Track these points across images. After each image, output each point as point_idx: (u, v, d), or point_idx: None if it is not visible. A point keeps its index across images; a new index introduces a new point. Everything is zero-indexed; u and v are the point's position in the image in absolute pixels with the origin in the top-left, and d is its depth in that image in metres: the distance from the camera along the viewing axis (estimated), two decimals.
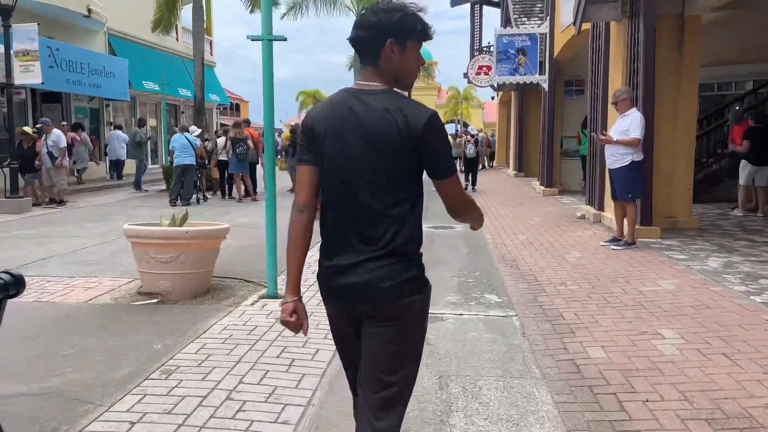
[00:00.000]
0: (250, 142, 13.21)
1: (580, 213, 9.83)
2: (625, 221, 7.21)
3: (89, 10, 16.81)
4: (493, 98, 29.48)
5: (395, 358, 1.91)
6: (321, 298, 2.05)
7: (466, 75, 28.51)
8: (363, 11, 1.99)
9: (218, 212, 11.54)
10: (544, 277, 5.97)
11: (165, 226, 5.35)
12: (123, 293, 5.41)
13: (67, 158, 12.02)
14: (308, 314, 2.04)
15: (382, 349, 1.90)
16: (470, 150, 18.82)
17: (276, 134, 15.44)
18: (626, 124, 6.87)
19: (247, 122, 14.43)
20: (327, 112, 1.89)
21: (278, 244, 5.19)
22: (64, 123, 13.56)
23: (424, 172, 1.90)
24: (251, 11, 18.72)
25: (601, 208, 9.21)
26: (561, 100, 14.46)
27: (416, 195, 1.90)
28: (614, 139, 6.89)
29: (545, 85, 13.77)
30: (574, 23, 8.66)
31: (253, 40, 5.13)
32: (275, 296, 5.22)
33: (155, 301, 5.10)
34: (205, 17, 28.47)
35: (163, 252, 5.06)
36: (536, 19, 15.83)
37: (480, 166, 25.73)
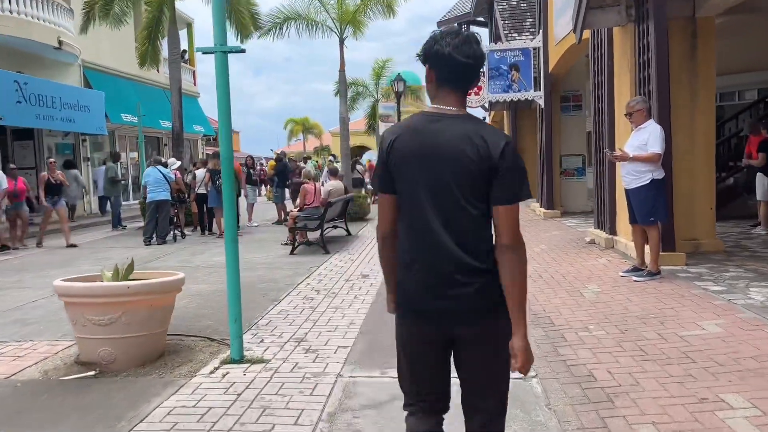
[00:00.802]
0: None
1: (590, 238, 8.97)
2: (646, 248, 6.35)
3: (60, 42, 16.05)
4: (484, 119, 28.78)
5: (494, 374, 2.00)
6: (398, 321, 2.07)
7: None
8: (463, 34, 1.93)
9: (194, 251, 10.62)
10: (561, 319, 5.07)
11: (108, 281, 4.44)
12: (57, 363, 4.47)
13: (5, 201, 11.07)
14: None
15: (482, 367, 1.98)
16: None
17: (263, 163, 14.76)
18: (644, 138, 6.05)
19: None
20: (407, 137, 1.92)
21: (256, 288, 4.28)
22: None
23: None
24: (241, 41, 17.98)
25: (613, 231, 8.35)
26: (558, 116, 13.72)
27: (489, 219, 1.93)
28: (631, 156, 6.06)
29: (541, 102, 13.03)
30: (575, 31, 7.90)
31: (204, 53, 4.30)
32: (239, 360, 4.29)
33: (92, 373, 4.16)
34: (187, 47, 28.08)
35: (102, 313, 4.14)
36: (527, 34, 15.16)
37: None
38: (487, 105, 26.46)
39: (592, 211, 13.39)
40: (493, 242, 1.91)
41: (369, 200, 21.32)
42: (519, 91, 12.99)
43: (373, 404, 3.54)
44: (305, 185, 10.68)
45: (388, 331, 5.40)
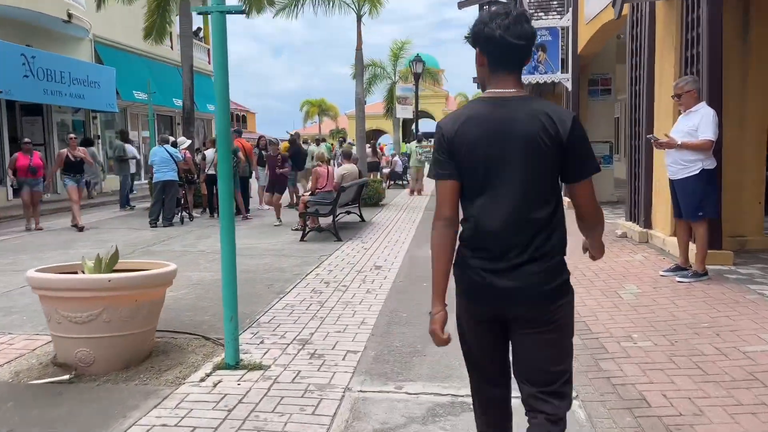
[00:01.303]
0: (241, 154, 11.83)
1: (621, 231, 8.33)
2: (691, 245, 5.73)
3: (69, 15, 15.58)
4: None
5: (556, 356, 1.98)
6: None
7: (476, 79, 27.21)
8: (512, 13, 1.86)
9: (201, 234, 10.14)
10: (599, 325, 4.49)
11: (90, 272, 3.93)
12: (33, 362, 3.98)
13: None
14: None
15: (542, 350, 1.96)
16: None
17: (275, 144, 14.33)
18: (693, 123, 5.40)
19: (239, 132, 13.04)
20: (474, 124, 1.90)
21: (261, 278, 3.76)
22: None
23: None
24: (247, 16, 17.36)
25: (648, 224, 7.71)
26: (585, 101, 12.99)
27: (559, 199, 1.95)
28: (679, 142, 5.41)
29: (568, 84, 12.31)
30: (614, 4, 7.21)
31: (200, 13, 3.74)
32: (235, 365, 3.78)
33: (67, 378, 3.67)
34: (202, 24, 27.52)
35: (79, 309, 3.64)
36: (554, 13, 14.39)
37: None
38: None
39: (619, 202, 12.73)
40: (564, 222, 1.95)
41: (384, 185, 20.81)
42: (545, 72, 12.28)
43: (385, 429, 3.00)
44: (317, 168, 10.13)
45: (403, 334, 4.89)
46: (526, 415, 2.02)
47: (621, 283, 5.70)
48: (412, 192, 17.66)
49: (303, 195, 10.34)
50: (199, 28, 26.79)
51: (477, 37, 1.91)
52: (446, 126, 1.95)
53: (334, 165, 18.59)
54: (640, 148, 7.94)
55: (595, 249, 2.15)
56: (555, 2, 15.01)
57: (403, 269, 6.98)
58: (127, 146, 14.77)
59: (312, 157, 15.21)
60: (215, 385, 3.51)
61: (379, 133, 57.37)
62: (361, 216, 11.53)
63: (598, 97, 13.25)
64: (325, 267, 7.16)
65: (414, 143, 17.91)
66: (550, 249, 1.89)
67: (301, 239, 9.28)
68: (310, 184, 10.14)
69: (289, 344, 4.30)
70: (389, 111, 27.52)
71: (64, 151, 11.30)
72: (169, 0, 15.55)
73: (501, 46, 1.86)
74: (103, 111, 18.25)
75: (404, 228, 10.54)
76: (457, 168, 1.92)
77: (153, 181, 11.27)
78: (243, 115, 78.65)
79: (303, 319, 4.92)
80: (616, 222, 9.26)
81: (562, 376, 1.98)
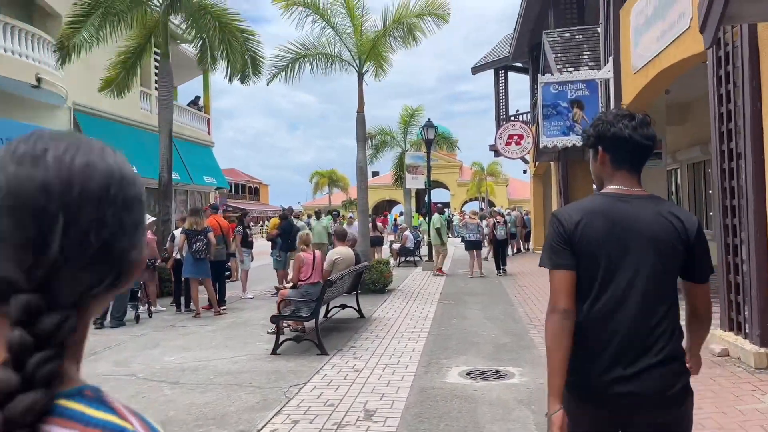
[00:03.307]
0: (212, 236, 9.66)
1: (720, 347, 5.87)
2: None
3: (39, 80, 13.95)
4: (525, 172, 25.96)
5: None
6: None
7: (493, 147, 25.30)
8: (638, 115, 1.98)
9: (150, 341, 7.80)
10: None
11: None
12: None
13: None
14: None
15: None
16: (500, 231, 15.42)
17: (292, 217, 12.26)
18: None
19: (214, 208, 10.97)
20: (598, 217, 1.90)
21: None
22: None
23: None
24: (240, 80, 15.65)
25: (766, 341, 5.28)
26: None
27: (677, 300, 1.93)
28: None
29: None
30: (702, 29, 5.07)
31: None
32: None
33: None
34: (202, 94, 26.24)
35: None
36: (585, 68, 12.48)
37: (515, 249, 21.99)
38: (528, 157, 23.80)
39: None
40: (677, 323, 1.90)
41: (394, 263, 18.48)
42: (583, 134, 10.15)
43: None
44: (300, 254, 7.89)
45: None
46: None
47: None
48: (440, 271, 15.44)
49: (283, 288, 8.07)
50: (197, 97, 25.46)
51: (602, 136, 1.95)
52: (566, 218, 1.93)
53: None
54: (743, 210, 5.61)
55: (696, 357, 2.06)
56: (586, 56, 13.12)
57: (407, 417, 4.58)
58: None
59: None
60: None
61: (392, 203, 55.74)
62: (359, 311, 9.19)
63: (647, 163, 11.01)
64: (290, 412, 4.76)
65: (435, 216, 15.80)
66: (673, 349, 1.86)
67: (273, 351, 6.92)
68: (291, 274, 7.87)
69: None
70: (398, 180, 25.57)
71: None
72: (141, 57, 13.95)
73: (628, 145, 1.92)
74: None
75: (413, 329, 8.16)
76: (574, 258, 1.90)
77: None
78: (256, 187, 78.07)
79: None
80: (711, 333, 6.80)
81: None
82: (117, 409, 0.64)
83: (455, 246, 22.89)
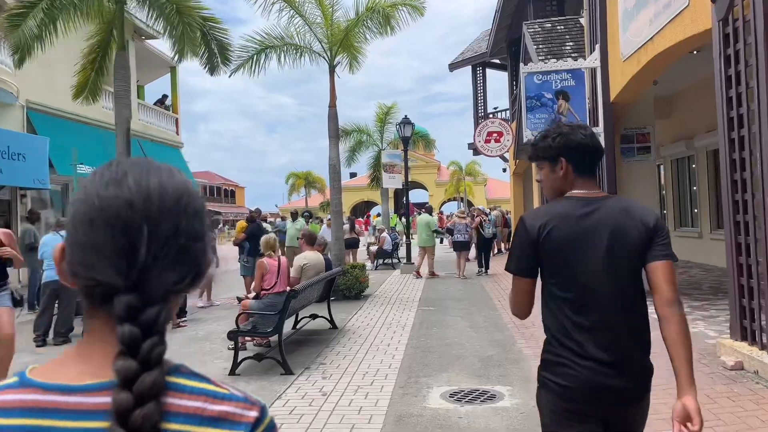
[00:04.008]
0: None
1: (732, 359, 5.22)
2: None
3: None
4: (504, 170, 25.40)
5: None
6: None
7: (472, 145, 24.68)
8: (584, 126, 2.11)
9: None
10: None
11: None
12: None
13: None
14: None
15: None
16: (488, 230, 14.81)
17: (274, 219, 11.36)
18: None
19: None
20: (565, 222, 1.95)
21: None
22: None
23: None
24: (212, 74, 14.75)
25: None
26: (620, 162, 10.20)
27: (644, 291, 1.98)
28: None
29: (600, 142, 9.51)
30: None
31: None
32: None
33: None
34: (170, 92, 25.23)
35: None
36: (570, 60, 11.87)
37: (496, 250, 21.34)
38: (507, 155, 23.19)
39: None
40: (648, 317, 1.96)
41: (370, 267, 17.68)
42: None
43: None
44: (262, 260, 7.11)
45: None
46: None
47: None
48: (432, 275, 14.69)
49: (245, 298, 7.27)
50: (165, 96, 24.46)
51: (566, 147, 2.00)
52: (531, 223, 1.98)
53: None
54: (756, 205, 4.98)
55: (686, 386, 1.81)
56: (568, 47, 12.53)
57: None
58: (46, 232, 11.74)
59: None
60: None
61: (370, 204, 54.98)
62: (331, 321, 8.43)
63: (635, 156, 10.47)
64: None
65: (425, 215, 15.12)
66: (646, 340, 1.94)
67: (232, 371, 6.12)
68: (254, 283, 7.08)
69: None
70: (375, 181, 24.82)
71: None
72: (108, 54, 13.02)
73: (589, 152, 2.02)
74: (30, 188, 15.35)
75: (390, 340, 7.43)
76: (537, 266, 1.99)
77: (42, 282, 8.14)
78: (232, 190, 76.77)
79: None
80: (705, 336, 6.19)
81: None
82: (210, 379, 0.77)
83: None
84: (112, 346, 0.70)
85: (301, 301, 6.99)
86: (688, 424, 1.72)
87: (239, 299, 7.47)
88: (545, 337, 1.97)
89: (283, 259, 7.22)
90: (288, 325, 8.17)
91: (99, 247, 0.73)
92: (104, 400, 0.68)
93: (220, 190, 74.08)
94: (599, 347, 1.86)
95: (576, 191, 2.00)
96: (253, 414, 0.74)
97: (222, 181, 75.72)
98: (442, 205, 52.36)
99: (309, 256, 7.66)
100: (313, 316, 8.32)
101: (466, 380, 5.61)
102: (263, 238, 7.17)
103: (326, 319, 8.41)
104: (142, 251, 0.72)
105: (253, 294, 7.17)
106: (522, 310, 2.02)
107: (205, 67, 12.34)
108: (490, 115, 24.07)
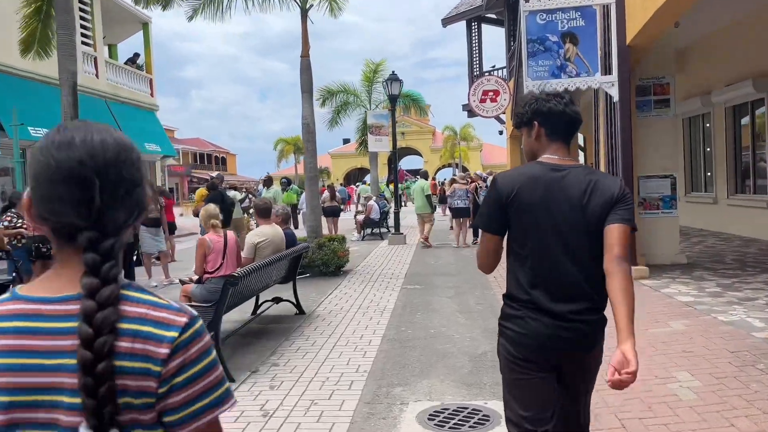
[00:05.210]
0: None
1: None
2: None
3: None
4: (501, 133, 23.92)
5: (591, 384, 2.24)
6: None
7: (467, 106, 23.13)
8: (566, 95, 2.21)
9: None
10: None
11: None
12: None
13: None
14: None
15: (588, 383, 2.21)
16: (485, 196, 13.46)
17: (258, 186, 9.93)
18: None
19: None
20: (533, 185, 2.08)
21: None
22: None
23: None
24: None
25: None
26: (635, 116, 8.82)
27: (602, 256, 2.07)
28: None
29: (613, 92, 8.13)
30: None
31: None
32: None
33: None
34: (143, 51, 23.51)
35: None
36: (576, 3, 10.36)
37: None
38: (504, 116, 21.72)
39: (693, 265, 8.47)
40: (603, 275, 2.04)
41: (357, 237, 16.41)
42: (578, 74, 8.09)
43: None
44: (204, 237, 5.78)
45: None
46: None
47: None
48: (426, 241, 13.69)
49: (189, 281, 5.96)
50: (136, 54, 22.78)
51: (538, 111, 2.16)
52: (503, 183, 2.11)
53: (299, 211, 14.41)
54: None
55: (627, 338, 1.93)
56: None
57: None
58: None
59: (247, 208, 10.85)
60: None
61: (364, 171, 53.45)
62: (297, 305, 7.16)
63: (651, 111, 9.08)
64: None
65: (420, 181, 13.90)
66: (601, 298, 2.06)
67: None
68: (195, 265, 5.76)
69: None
70: (363, 144, 23.32)
71: None
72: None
73: (563, 119, 2.15)
74: None
75: (364, 331, 6.17)
76: (506, 224, 2.11)
77: None
78: (223, 157, 74.81)
79: None
80: (751, 328, 4.94)
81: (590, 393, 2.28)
82: (154, 293, 1.01)
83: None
84: (78, 270, 0.94)
85: (253, 285, 5.70)
86: (624, 370, 1.84)
87: (182, 282, 6.17)
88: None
89: (231, 234, 5.89)
90: (248, 309, 6.94)
91: (62, 198, 0.96)
92: (74, 307, 0.93)
93: (210, 157, 72.23)
94: (553, 300, 2.04)
95: (547, 155, 2.15)
96: (183, 320, 0.96)
97: (212, 148, 73.76)
98: (437, 171, 50.92)
99: (265, 231, 6.34)
100: (276, 300, 7.06)
101: (452, 391, 4.36)
102: (202, 210, 5.84)
103: (292, 303, 7.14)
104: (96, 198, 0.96)
105: (195, 279, 5.87)
106: (487, 265, 2.20)
107: (159, 2, 10.80)
108: (486, 74, 22.49)
